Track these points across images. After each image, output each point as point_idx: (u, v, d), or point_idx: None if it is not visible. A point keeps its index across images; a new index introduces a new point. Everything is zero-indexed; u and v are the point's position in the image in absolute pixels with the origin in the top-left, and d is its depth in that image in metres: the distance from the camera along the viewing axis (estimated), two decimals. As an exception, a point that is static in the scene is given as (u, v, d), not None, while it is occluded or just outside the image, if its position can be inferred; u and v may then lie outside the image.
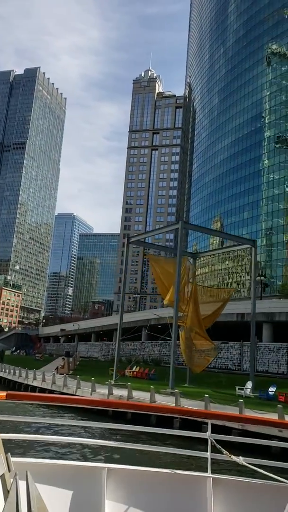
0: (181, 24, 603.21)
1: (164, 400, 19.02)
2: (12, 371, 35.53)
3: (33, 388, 27.91)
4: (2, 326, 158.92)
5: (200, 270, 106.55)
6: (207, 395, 16.51)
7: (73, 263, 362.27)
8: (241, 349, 39.83)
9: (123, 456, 11.64)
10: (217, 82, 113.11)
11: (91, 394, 21.47)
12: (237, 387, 24.49)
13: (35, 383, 28.79)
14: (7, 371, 37.15)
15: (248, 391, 23.97)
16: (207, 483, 3.28)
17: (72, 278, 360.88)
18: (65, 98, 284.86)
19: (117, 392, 21.76)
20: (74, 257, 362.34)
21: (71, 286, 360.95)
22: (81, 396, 22.61)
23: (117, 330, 63.98)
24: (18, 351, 79.94)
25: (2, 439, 2.99)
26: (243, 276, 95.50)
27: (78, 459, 11.87)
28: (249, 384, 24.22)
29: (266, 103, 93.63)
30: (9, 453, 2.98)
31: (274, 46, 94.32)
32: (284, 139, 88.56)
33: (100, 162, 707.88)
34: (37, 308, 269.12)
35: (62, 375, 29.74)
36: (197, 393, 21.56)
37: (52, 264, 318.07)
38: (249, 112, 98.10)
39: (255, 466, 3.24)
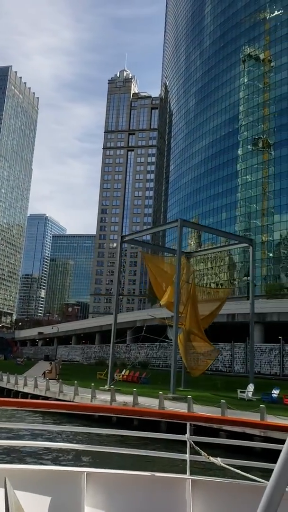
0: (156, 26, 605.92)
1: (173, 406, 18.20)
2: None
3: (24, 395, 26.47)
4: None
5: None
6: (223, 401, 15.84)
7: (45, 264, 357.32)
8: (232, 351, 39.42)
9: (104, 461, 11.58)
10: (193, 83, 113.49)
11: (91, 401, 20.44)
12: (238, 390, 23.95)
13: (26, 389, 27.35)
14: None
15: (250, 394, 23.48)
16: (186, 484, 3.31)
17: (45, 280, 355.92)
18: (38, 98, 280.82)
19: (119, 398, 20.78)
20: (47, 259, 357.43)
21: (43, 288, 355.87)
22: (78, 402, 21.57)
23: (100, 332, 63.17)
24: None
25: None
26: (230, 276, 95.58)
27: (57, 464, 11.87)
28: (251, 387, 23.73)
29: (242, 105, 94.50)
30: None
31: (249, 49, 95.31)
32: (260, 141, 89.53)
33: (72, 164, 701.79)
34: (9, 311, 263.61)
35: (51, 380, 28.45)
36: (198, 398, 20.86)
37: (24, 266, 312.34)
38: (225, 113, 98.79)
39: (233, 467, 3.27)
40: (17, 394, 26.74)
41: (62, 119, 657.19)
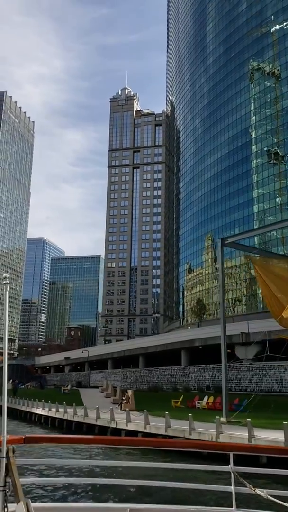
0: (150, 47, 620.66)
1: None
2: (61, 409, 29.97)
3: (116, 431, 22.74)
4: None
5: (197, 288, 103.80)
6: None
7: (45, 288, 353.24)
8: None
9: (143, 495, 11.57)
10: (200, 99, 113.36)
11: (216, 439, 17.35)
12: None
13: (130, 426, 22.72)
14: (52, 409, 31.60)
15: None
16: None
17: (45, 304, 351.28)
18: (33, 122, 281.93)
19: (264, 434, 17.35)
20: (46, 283, 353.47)
21: (43, 313, 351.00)
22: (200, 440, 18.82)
23: (145, 355, 58.80)
24: (27, 384, 72.58)
25: (22, 484, 3.04)
26: (239, 293, 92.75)
27: (100, 501, 11.71)
28: None
29: (252, 118, 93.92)
30: (29, 499, 3.00)
31: (255, 62, 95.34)
32: (272, 153, 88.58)
33: (66, 188, 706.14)
34: (12, 337, 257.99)
35: (132, 412, 25.03)
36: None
37: (23, 290, 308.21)
38: (234, 128, 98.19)
39: (280, 500, 3.16)
40: (116, 431, 22.94)
41: (55, 145, 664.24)
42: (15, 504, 2.96)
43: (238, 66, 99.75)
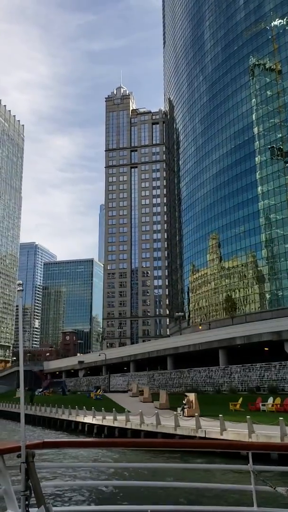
0: (152, 45, 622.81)
1: None
2: (109, 416, 27.07)
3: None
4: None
5: (204, 288, 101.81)
6: None
7: (38, 293, 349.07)
8: None
9: (163, 495, 11.30)
10: (200, 96, 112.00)
11: None
12: None
13: (209, 434, 20.46)
14: (96, 416, 28.58)
15: None
16: None
17: (38, 309, 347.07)
18: (23, 126, 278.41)
19: None
20: (39, 287, 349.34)
21: (37, 318, 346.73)
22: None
23: (174, 355, 55.94)
24: (44, 390, 69.31)
25: (43, 488, 3.08)
26: (248, 291, 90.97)
27: (120, 503, 11.71)
28: None
29: (253, 114, 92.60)
30: (50, 504, 3.04)
31: (255, 58, 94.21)
32: (276, 149, 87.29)
33: (54, 194, 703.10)
34: (7, 344, 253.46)
35: (190, 418, 22.63)
36: None
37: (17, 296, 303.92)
38: (236, 124, 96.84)
39: None
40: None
41: (42, 151, 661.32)
42: (36, 508, 3.00)
43: (238, 63, 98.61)
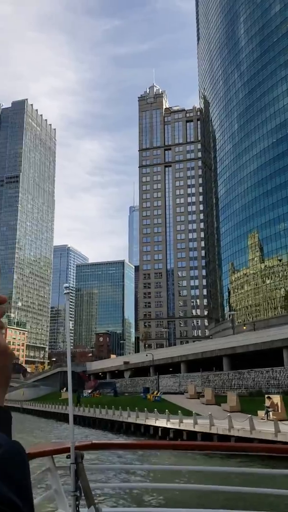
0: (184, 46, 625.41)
1: None
2: (188, 420, 25.30)
3: None
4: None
5: (246, 287, 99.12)
6: None
7: (71, 295, 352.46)
8: None
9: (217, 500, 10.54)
10: (238, 91, 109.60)
11: None
12: None
13: None
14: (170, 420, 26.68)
15: None
16: None
17: (72, 311, 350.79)
18: (55, 129, 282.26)
19: None
20: (72, 289, 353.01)
21: (71, 320, 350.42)
22: None
23: (231, 356, 54.06)
24: (94, 392, 68.60)
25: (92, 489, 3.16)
26: None
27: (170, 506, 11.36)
28: None
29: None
30: (100, 504, 3.10)
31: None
32: None
33: (84, 197, 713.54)
34: (42, 346, 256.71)
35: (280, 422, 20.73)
36: None
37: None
38: (276, 118, 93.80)
39: None
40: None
41: (72, 155, 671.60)
42: (86, 508, 3.08)
43: (275, 57, 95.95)
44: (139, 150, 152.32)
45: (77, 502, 3.02)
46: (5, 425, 0.72)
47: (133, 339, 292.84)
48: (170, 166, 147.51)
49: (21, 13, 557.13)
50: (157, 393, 48.41)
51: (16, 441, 0.66)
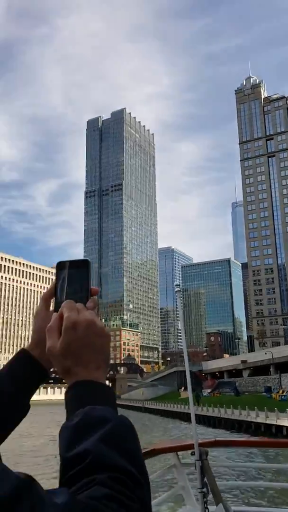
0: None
1: None
2: None
3: None
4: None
5: None
6: None
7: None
8: None
9: None
10: None
11: None
12: None
13: None
14: None
15: None
16: None
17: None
18: (153, 134, 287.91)
19: None
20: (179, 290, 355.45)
21: (179, 320, 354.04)
22: None
23: None
24: (214, 391, 68.99)
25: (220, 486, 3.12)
26: None
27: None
28: None
29: None
30: (228, 502, 3.07)
31: None
32: None
33: (184, 198, 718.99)
34: (155, 346, 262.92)
35: None
36: None
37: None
38: None
39: None
40: None
41: (169, 158, 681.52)
42: (215, 506, 3.04)
43: None
44: (239, 143, 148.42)
45: (205, 499, 3.01)
46: (111, 400, 0.77)
47: (245, 338, 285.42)
48: (274, 156, 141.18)
49: (113, 28, 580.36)
50: (283, 393, 46.30)
51: (123, 415, 0.71)
